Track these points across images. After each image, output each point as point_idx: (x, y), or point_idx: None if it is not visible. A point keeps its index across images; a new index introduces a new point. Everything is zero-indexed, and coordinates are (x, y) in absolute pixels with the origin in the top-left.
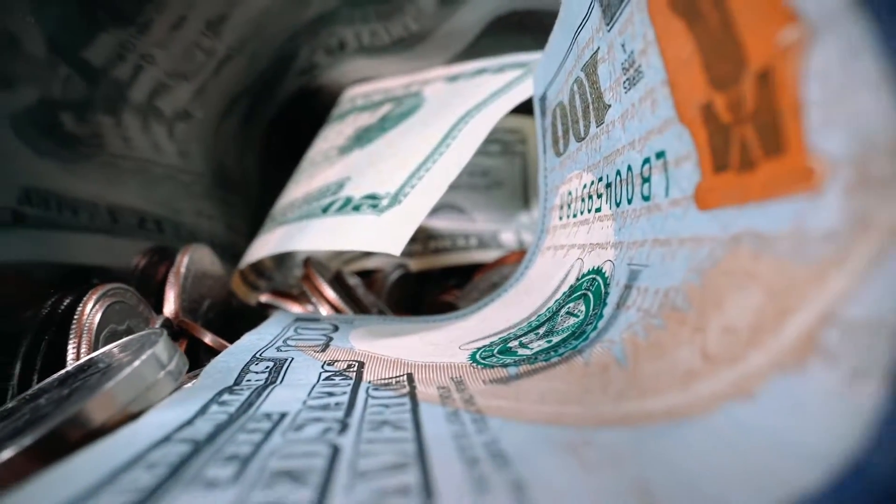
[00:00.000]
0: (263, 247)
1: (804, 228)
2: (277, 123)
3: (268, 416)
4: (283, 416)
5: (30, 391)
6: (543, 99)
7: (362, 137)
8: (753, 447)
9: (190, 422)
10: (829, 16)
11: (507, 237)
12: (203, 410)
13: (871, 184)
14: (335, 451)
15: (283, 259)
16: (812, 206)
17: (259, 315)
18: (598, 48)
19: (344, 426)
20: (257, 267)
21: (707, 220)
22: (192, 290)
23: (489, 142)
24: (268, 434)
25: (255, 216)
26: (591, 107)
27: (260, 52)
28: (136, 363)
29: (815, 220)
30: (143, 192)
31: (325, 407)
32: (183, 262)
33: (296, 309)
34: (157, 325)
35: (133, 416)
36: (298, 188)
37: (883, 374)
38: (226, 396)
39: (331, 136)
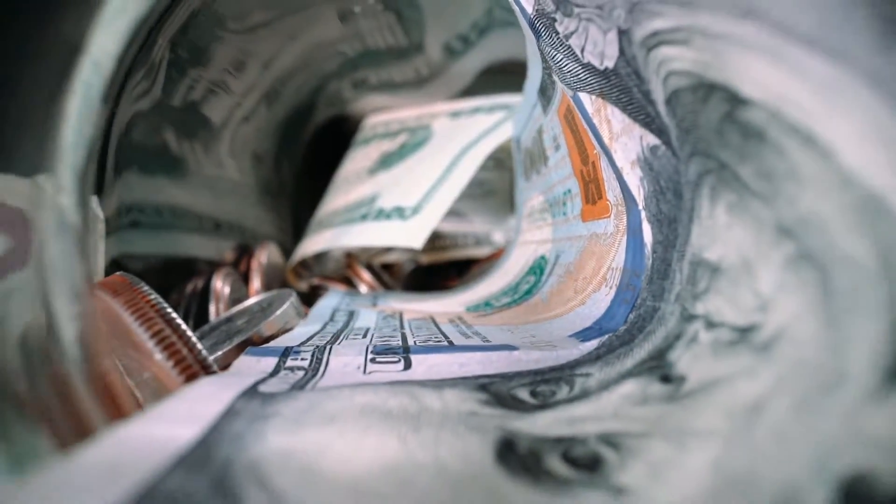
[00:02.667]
0: (315, 244)
1: (607, 231)
2: (311, 144)
3: (360, 328)
4: (368, 328)
5: (206, 326)
6: (518, 140)
7: (386, 162)
8: (576, 319)
9: (322, 329)
10: (598, 149)
11: (498, 236)
12: (323, 327)
13: (618, 213)
14: (403, 333)
15: (319, 255)
16: (608, 222)
17: (307, 296)
18: (542, 124)
19: (402, 328)
20: (302, 262)
21: (583, 227)
22: (267, 275)
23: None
24: (366, 331)
25: (296, 220)
26: (541, 155)
27: (301, 87)
28: (286, 305)
29: (608, 228)
30: (215, 201)
31: (387, 325)
32: (262, 254)
33: (341, 288)
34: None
35: (285, 331)
36: (337, 200)
37: (617, 286)
38: (330, 323)
39: (358, 158)
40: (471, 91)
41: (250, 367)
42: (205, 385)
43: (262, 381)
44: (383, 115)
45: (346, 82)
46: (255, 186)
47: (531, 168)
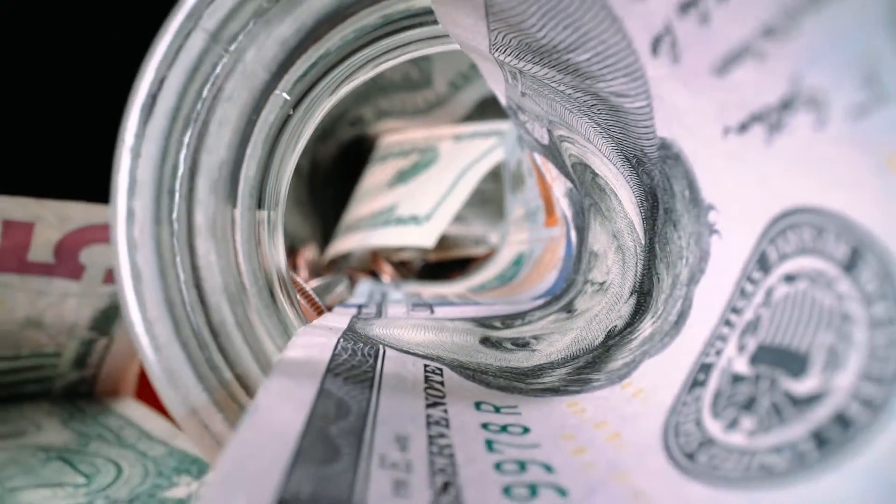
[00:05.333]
0: (346, 244)
1: (557, 234)
2: (335, 159)
3: (395, 299)
4: (400, 299)
5: None
6: (507, 164)
7: (402, 177)
8: (537, 290)
9: (367, 302)
10: (553, 180)
11: (494, 238)
12: (366, 302)
13: (561, 224)
14: (425, 301)
15: (346, 253)
16: (559, 229)
17: None
18: (521, 157)
19: (422, 299)
20: (332, 259)
21: (546, 231)
22: (310, 268)
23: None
24: (399, 300)
25: (324, 224)
26: (521, 178)
27: (329, 111)
28: (341, 286)
29: (558, 232)
30: None
31: (413, 298)
32: (308, 252)
33: (367, 278)
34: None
35: (342, 301)
36: (362, 208)
37: (560, 269)
38: (371, 299)
39: (377, 173)
40: (470, 117)
41: (343, 311)
42: (332, 314)
43: (357, 314)
44: (397, 136)
45: (366, 108)
46: (292, 197)
47: (515, 186)
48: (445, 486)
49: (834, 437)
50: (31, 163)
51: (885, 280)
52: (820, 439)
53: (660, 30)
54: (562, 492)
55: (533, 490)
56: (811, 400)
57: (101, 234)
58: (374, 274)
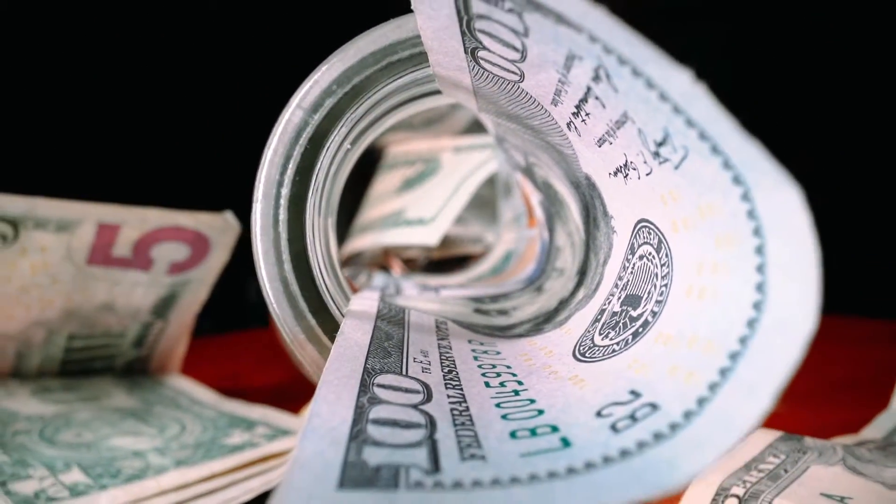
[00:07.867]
0: (360, 243)
1: (535, 234)
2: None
3: (407, 285)
4: (411, 286)
5: None
6: (499, 174)
7: (408, 184)
8: (519, 278)
9: (386, 286)
10: (530, 193)
11: (490, 237)
12: (384, 290)
13: (537, 225)
14: (431, 286)
15: (358, 252)
16: (536, 230)
17: None
18: (509, 170)
19: (429, 286)
20: (348, 256)
21: (528, 232)
22: None
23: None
24: (412, 286)
25: (338, 225)
26: (510, 187)
27: None
28: (363, 276)
29: (535, 233)
30: None
31: (423, 286)
32: None
33: (380, 272)
34: None
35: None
36: (373, 211)
37: (537, 261)
38: (387, 290)
39: (386, 180)
40: (468, 130)
41: (372, 290)
42: (366, 291)
43: (382, 294)
44: (402, 147)
45: None
46: None
47: (506, 193)
48: (450, 371)
49: (640, 331)
50: (117, 175)
51: (666, 256)
52: (634, 334)
53: (567, 121)
54: (513, 374)
55: (498, 374)
56: (637, 318)
57: (170, 234)
58: (385, 269)
